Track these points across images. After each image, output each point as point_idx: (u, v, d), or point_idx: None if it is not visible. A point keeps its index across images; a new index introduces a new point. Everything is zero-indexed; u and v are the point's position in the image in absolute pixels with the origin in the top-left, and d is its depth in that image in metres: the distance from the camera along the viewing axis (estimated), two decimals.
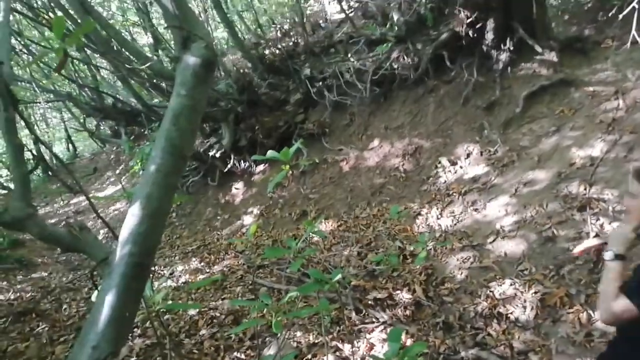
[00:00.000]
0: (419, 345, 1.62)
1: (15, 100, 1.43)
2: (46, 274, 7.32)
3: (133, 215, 1.27)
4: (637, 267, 1.58)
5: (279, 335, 3.76)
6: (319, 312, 3.93)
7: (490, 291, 3.72)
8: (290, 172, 7.17)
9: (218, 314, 4.57)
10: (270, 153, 2.01)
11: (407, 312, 3.82)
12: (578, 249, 1.97)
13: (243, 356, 3.79)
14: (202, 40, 1.45)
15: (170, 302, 4.99)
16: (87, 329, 1.16)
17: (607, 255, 1.61)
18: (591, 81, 5.10)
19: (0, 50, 1.59)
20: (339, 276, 1.90)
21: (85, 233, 1.51)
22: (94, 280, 1.50)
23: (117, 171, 13.31)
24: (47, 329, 4.88)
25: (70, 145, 17.72)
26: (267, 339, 3.95)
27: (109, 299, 1.18)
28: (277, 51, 8.11)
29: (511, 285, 3.65)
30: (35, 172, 15.99)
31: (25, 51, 9.66)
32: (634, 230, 1.62)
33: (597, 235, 3.54)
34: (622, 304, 1.51)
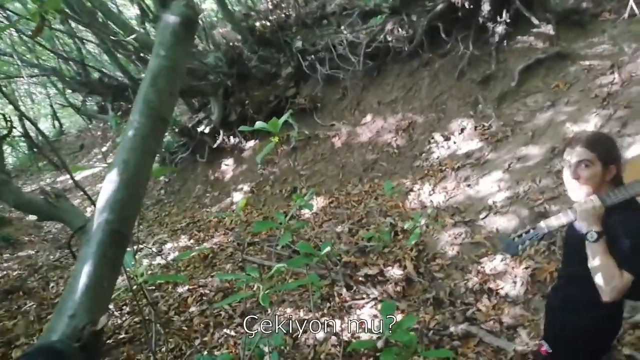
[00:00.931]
0: (409, 319, 1.57)
1: None
2: (33, 252, 7.24)
3: (110, 182, 1.22)
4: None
5: (268, 311, 3.73)
6: (309, 289, 3.90)
7: (481, 267, 3.69)
8: (281, 147, 7.04)
9: (207, 291, 4.52)
10: (258, 124, 1.91)
11: (398, 288, 3.79)
12: (543, 230, 1.87)
13: (233, 333, 3.76)
14: None
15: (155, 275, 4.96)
16: (65, 298, 1.11)
17: (590, 236, 1.59)
18: (587, 55, 5.00)
19: None
20: (328, 249, 1.83)
21: (63, 201, 1.45)
22: (72, 249, 1.43)
23: (104, 148, 13.10)
24: (34, 306, 4.84)
25: (56, 122, 17.39)
26: (257, 315, 3.91)
27: (87, 268, 1.13)
28: (268, 23, 7.87)
29: (502, 261, 3.62)
30: (20, 149, 15.72)
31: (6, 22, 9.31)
32: (597, 199, 1.62)
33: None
34: (628, 278, 1.52)
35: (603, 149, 1.65)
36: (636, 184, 1.61)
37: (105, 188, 1.23)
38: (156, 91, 1.32)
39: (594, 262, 1.60)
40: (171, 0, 1.39)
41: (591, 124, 4.26)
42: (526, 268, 3.45)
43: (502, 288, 3.45)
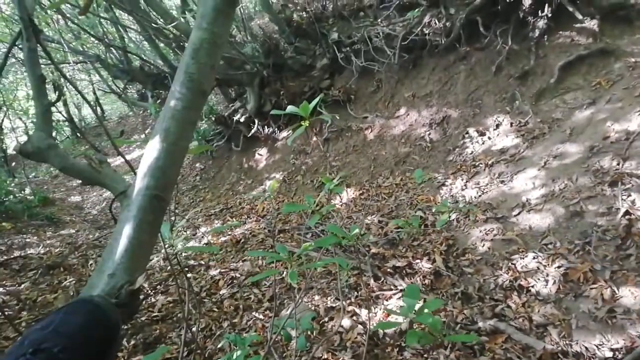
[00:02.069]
0: (434, 302, 1.60)
1: (37, 31, 1.42)
2: (74, 231, 7.56)
3: (151, 149, 1.27)
4: None
5: (296, 297, 3.81)
6: (337, 278, 3.96)
7: (512, 264, 3.66)
8: (314, 138, 7.08)
9: (238, 275, 4.64)
10: (290, 108, 1.96)
11: (426, 281, 3.79)
12: None
13: (261, 316, 3.86)
14: None
15: (191, 255, 5.12)
16: (105, 258, 1.18)
17: None
18: (633, 51, 4.83)
19: None
20: (357, 230, 1.87)
21: (106, 166, 1.52)
22: (112, 213, 1.51)
23: (144, 135, 13.49)
24: (74, 282, 5.07)
25: (98, 108, 17.98)
26: (285, 301, 4.00)
27: (127, 230, 1.19)
28: (305, 15, 7.92)
29: (534, 258, 3.58)
30: (64, 133, 16.35)
31: (55, 10, 9.69)
32: None
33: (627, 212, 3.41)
34: None
35: None
36: None
37: (146, 154, 1.28)
38: (196, 63, 1.35)
39: None
40: None
41: (634, 123, 4.13)
42: (559, 267, 3.40)
43: (533, 286, 3.41)
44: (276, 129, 7.87)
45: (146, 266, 1.30)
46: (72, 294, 4.79)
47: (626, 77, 4.65)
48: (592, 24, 5.13)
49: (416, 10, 6.61)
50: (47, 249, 6.37)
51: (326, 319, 3.57)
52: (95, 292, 1.10)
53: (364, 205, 5.45)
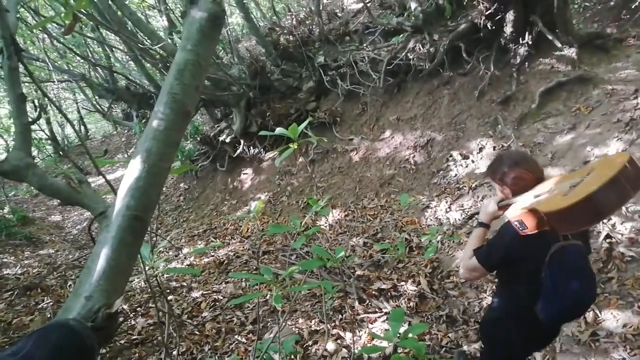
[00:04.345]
0: (419, 327, 1.58)
1: (19, 49, 1.41)
2: (53, 251, 7.39)
3: (132, 169, 1.26)
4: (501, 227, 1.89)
5: (280, 320, 3.75)
6: (321, 300, 3.92)
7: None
8: (300, 159, 7.08)
9: (221, 297, 4.57)
10: (278, 130, 1.96)
11: (411, 304, 3.78)
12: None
13: (244, 340, 3.79)
14: None
15: (173, 277, 5.02)
16: (82, 279, 1.15)
17: (475, 222, 2.03)
18: (610, 79, 4.98)
19: (8, 0, 1.57)
20: (343, 253, 1.86)
21: (85, 186, 1.49)
22: (91, 234, 1.48)
23: (127, 154, 13.36)
24: (51, 303, 4.93)
25: (82, 127, 17.81)
26: (268, 323, 3.94)
27: (105, 252, 1.16)
28: (292, 38, 8.03)
29: None
30: (46, 152, 16.10)
31: (41, 29, 9.66)
32: (497, 204, 1.94)
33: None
34: (472, 263, 1.91)
35: (489, 171, 2.01)
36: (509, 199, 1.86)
37: (127, 175, 1.26)
38: (180, 84, 1.35)
39: (468, 242, 2.03)
40: None
41: (612, 148, 4.23)
42: None
43: None
44: (262, 149, 7.87)
45: (124, 288, 1.26)
46: (49, 316, 4.64)
47: (604, 104, 4.78)
48: (571, 52, 5.29)
49: (401, 35, 6.75)
50: (25, 269, 6.21)
51: (310, 343, 3.52)
52: (71, 315, 1.07)
53: (349, 227, 5.44)
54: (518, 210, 1.62)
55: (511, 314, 2.02)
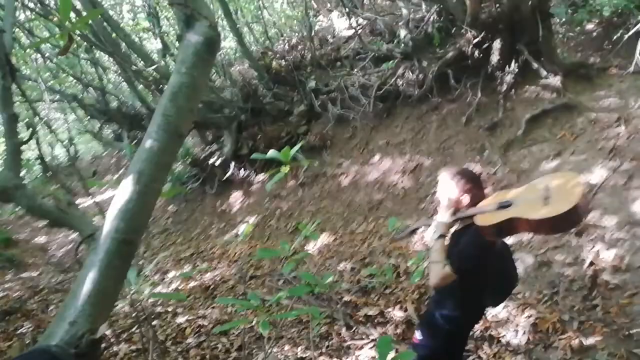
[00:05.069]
0: (407, 353, 1.56)
1: (13, 70, 1.41)
2: (36, 274, 7.26)
3: (123, 191, 1.24)
4: (453, 233, 2.26)
5: (266, 347, 3.69)
6: (309, 326, 3.86)
7: (483, 314, 3.64)
8: (289, 182, 7.07)
9: (206, 323, 4.49)
10: (271, 152, 1.96)
11: (398, 331, 3.74)
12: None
13: None
14: (205, 20, 1.42)
15: (158, 302, 4.93)
16: (67, 303, 1.12)
17: (434, 235, 2.18)
18: (594, 107, 5.08)
19: (4, 20, 1.58)
20: (331, 279, 1.84)
21: (73, 208, 1.48)
22: (78, 257, 1.46)
23: (117, 176, 13.27)
24: (31, 329, 4.81)
25: (72, 147, 17.68)
26: (254, 350, 3.87)
27: (91, 275, 1.14)
28: (284, 62, 8.13)
29: (504, 308, 3.58)
30: (34, 172, 15.96)
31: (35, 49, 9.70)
32: (450, 215, 2.19)
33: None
34: (447, 271, 2.02)
35: (463, 177, 2.28)
36: (474, 209, 2.11)
37: (117, 196, 1.24)
38: (174, 107, 1.34)
39: (431, 255, 2.17)
40: (195, 21, 1.44)
41: (596, 174, 4.29)
42: (529, 317, 3.41)
43: (503, 336, 3.39)
44: (252, 172, 7.87)
45: (110, 314, 1.24)
46: (28, 342, 4.52)
47: (588, 131, 4.86)
48: (556, 80, 5.40)
49: (391, 62, 6.87)
50: (5, 292, 6.08)
51: None
52: (54, 341, 1.05)
53: (337, 252, 5.41)
54: (489, 218, 1.94)
55: (465, 324, 2.36)
